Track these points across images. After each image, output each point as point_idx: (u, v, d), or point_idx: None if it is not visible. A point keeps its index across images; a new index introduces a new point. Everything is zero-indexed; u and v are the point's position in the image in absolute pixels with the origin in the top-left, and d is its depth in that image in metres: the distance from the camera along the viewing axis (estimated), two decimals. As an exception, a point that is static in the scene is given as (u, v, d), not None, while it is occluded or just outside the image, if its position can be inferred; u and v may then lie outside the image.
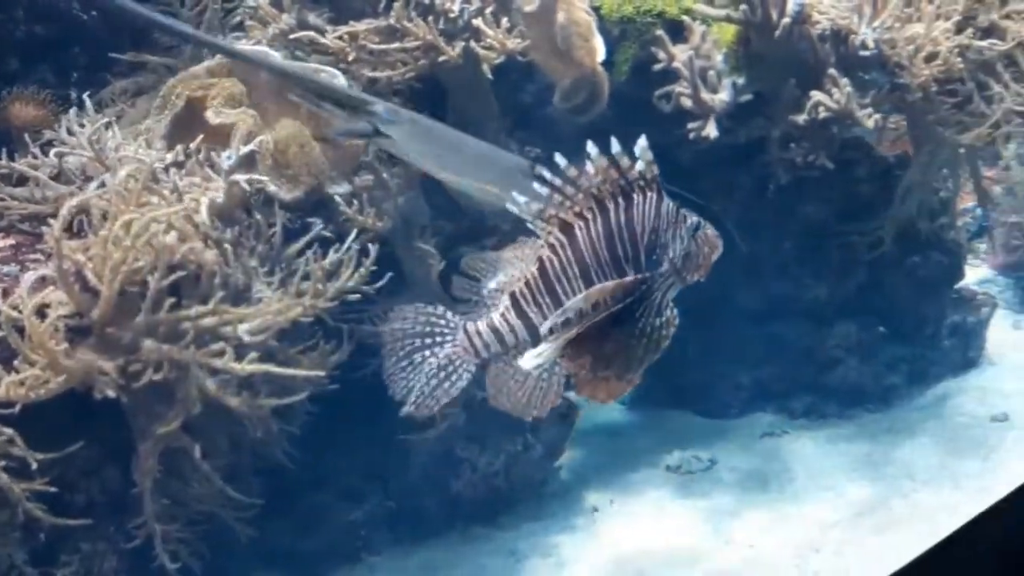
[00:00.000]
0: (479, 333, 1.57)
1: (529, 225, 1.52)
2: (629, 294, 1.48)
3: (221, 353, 2.09)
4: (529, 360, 1.50)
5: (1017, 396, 3.45)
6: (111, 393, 2.09)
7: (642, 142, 1.52)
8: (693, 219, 1.57)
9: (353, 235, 2.42)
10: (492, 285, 1.60)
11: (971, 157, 3.19)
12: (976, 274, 4.08)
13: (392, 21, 2.53)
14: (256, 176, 2.36)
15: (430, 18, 2.61)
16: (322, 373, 2.30)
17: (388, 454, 2.87)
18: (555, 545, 2.91)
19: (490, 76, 2.72)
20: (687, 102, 2.81)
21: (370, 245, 2.41)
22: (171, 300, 2.15)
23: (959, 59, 2.82)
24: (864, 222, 3.24)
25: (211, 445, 2.31)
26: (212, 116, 2.49)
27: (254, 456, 2.52)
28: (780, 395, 3.46)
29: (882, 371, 3.42)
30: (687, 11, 2.89)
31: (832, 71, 2.76)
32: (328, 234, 2.46)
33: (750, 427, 3.43)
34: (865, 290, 3.39)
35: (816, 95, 2.73)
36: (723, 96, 2.84)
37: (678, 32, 2.94)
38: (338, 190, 2.48)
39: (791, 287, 3.37)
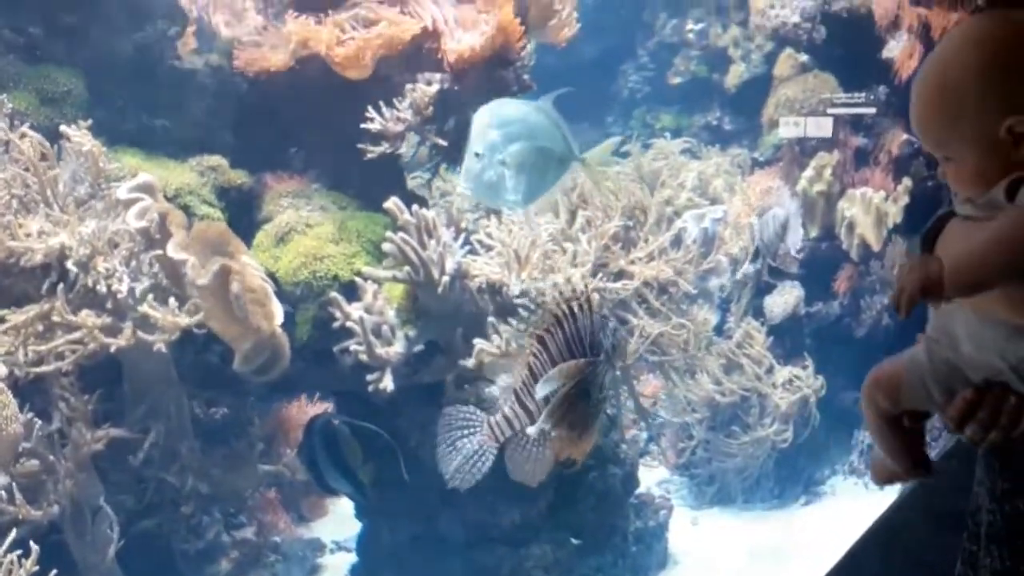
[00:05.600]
0: (498, 423, 2.11)
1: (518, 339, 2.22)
2: (582, 373, 2.04)
3: None
4: (534, 429, 2.06)
5: (702, 591, 3.77)
6: None
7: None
8: (612, 323, 2.13)
9: (13, 533, 2.28)
10: (502, 384, 2.17)
11: (626, 377, 3.61)
12: (656, 475, 4.47)
13: (54, 316, 2.52)
14: None
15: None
16: None
17: None
18: None
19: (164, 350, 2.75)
20: (364, 357, 2.99)
21: (31, 542, 2.28)
22: None
23: (598, 299, 3.26)
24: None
25: None
26: None
27: None
28: (489, 624, 3.53)
29: (580, 584, 3.62)
30: (358, 273, 3.12)
31: (492, 319, 3.07)
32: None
33: (465, 663, 3.45)
34: (555, 508, 3.62)
35: (479, 343, 3.02)
36: (398, 348, 3.06)
37: (355, 291, 3.16)
38: (-7, 484, 2.35)
39: (487, 513, 3.53)
